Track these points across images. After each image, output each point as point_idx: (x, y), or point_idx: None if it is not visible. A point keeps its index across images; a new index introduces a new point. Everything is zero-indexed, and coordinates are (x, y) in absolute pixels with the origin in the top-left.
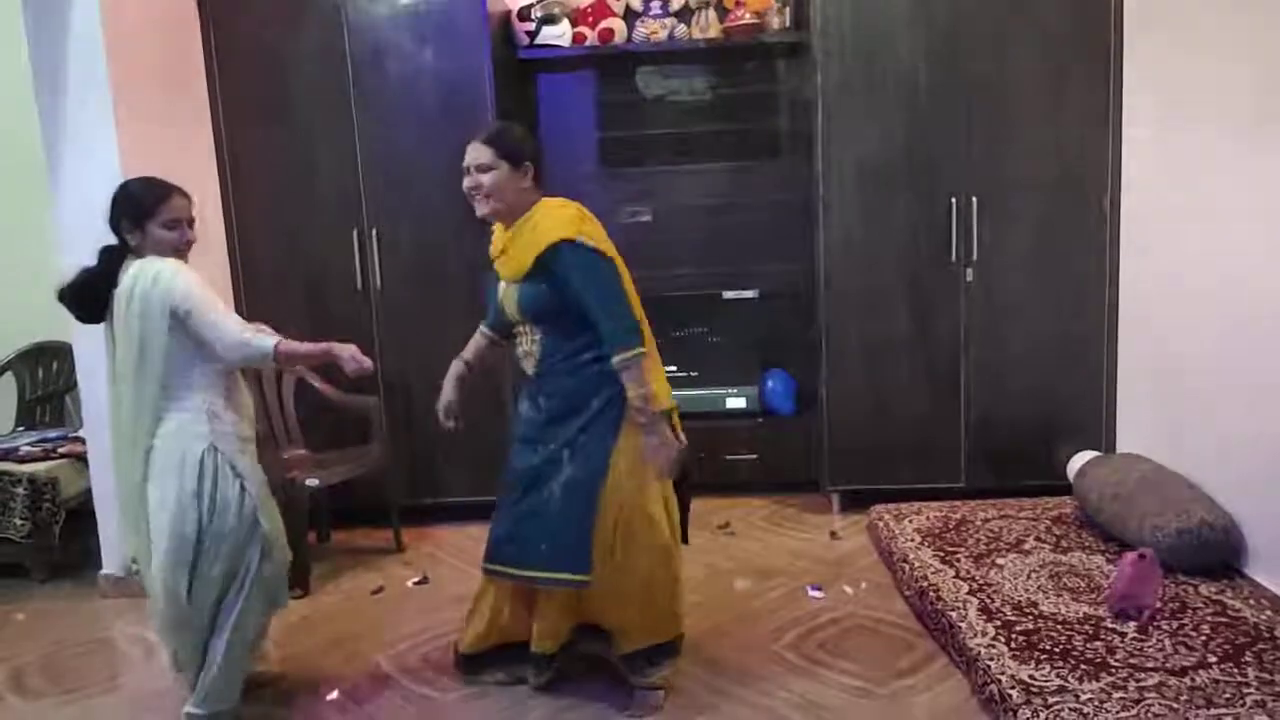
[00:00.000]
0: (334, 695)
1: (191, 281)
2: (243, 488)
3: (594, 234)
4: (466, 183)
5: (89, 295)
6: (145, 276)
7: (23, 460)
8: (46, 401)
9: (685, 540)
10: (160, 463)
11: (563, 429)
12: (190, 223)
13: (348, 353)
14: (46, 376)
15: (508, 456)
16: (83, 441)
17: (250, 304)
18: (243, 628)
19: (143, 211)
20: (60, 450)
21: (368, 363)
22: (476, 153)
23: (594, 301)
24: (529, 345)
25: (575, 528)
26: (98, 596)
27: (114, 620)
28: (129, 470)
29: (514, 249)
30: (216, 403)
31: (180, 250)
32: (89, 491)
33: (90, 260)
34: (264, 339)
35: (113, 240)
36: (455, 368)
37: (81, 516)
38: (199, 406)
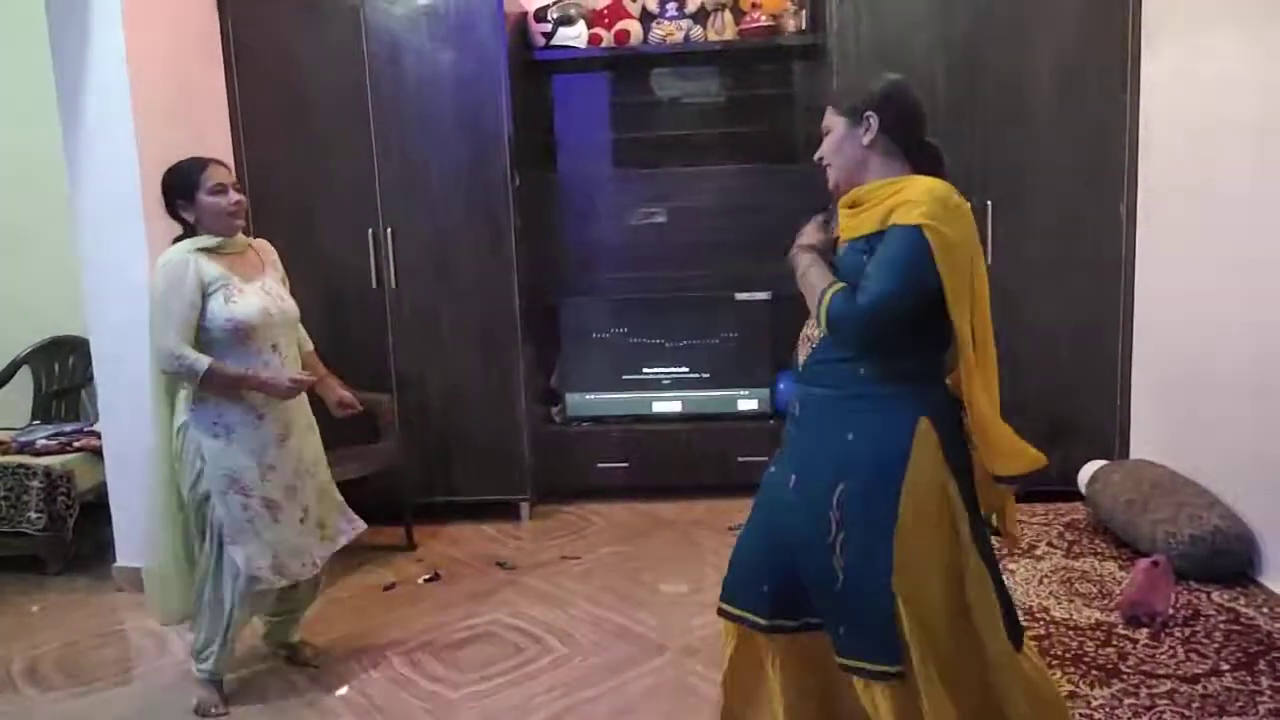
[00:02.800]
0: (344, 691)
1: (170, 284)
2: (200, 472)
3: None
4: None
5: None
6: (158, 266)
7: (39, 453)
8: (63, 395)
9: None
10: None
11: None
12: (235, 187)
13: (280, 381)
14: (63, 371)
15: None
16: (98, 435)
17: None
18: (215, 601)
19: (190, 184)
20: (76, 444)
21: (305, 380)
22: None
23: None
24: None
25: None
26: (112, 589)
27: (128, 613)
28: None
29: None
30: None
31: (232, 213)
32: (104, 485)
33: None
34: (198, 359)
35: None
36: None
37: (96, 510)
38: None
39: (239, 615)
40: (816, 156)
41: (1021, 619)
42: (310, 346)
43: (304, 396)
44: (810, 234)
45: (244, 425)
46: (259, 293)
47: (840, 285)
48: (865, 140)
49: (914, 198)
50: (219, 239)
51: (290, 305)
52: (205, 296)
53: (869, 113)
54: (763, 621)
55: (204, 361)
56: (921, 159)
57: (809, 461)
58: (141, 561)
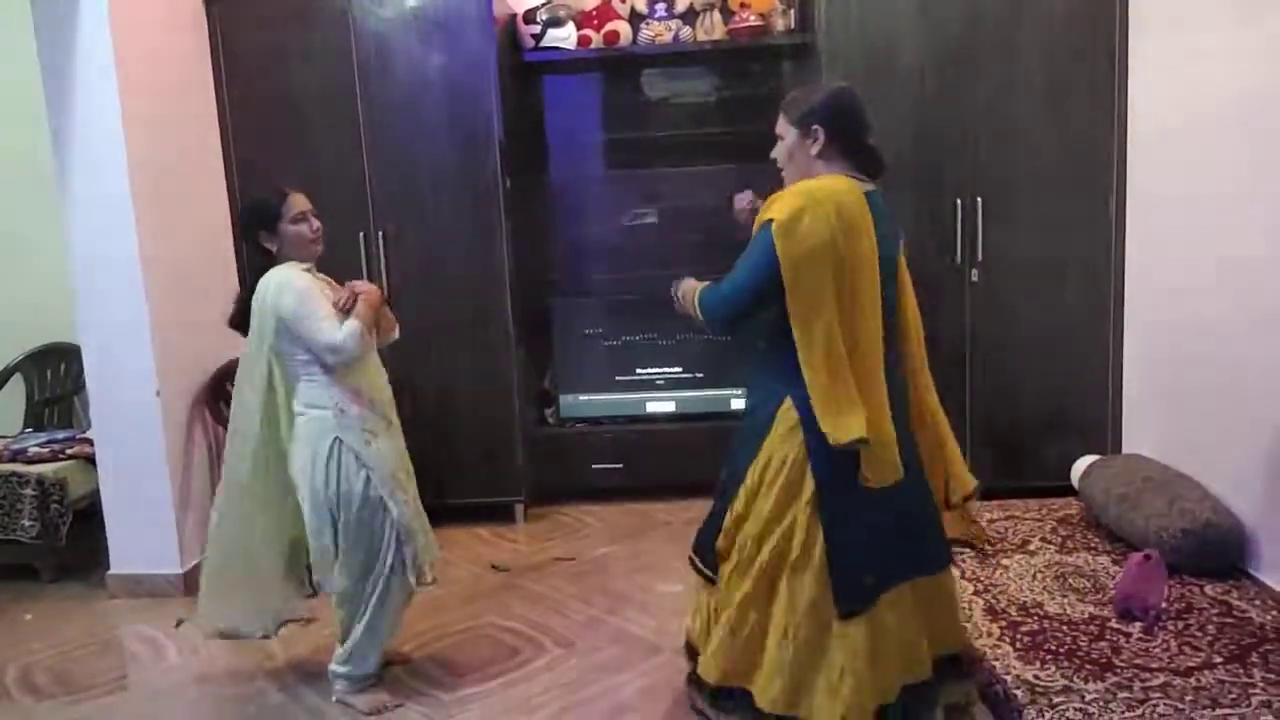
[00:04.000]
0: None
1: (298, 291)
2: (368, 478)
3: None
4: None
5: (249, 315)
6: (266, 287)
7: (31, 461)
8: (55, 403)
9: None
10: (298, 462)
11: None
12: (314, 214)
13: (362, 294)
14: (55, 378)
15: None
16: (91, 443)
17: None
18: (383, 604)
19: (271, 215)
20: (69, 451)
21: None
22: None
23: None
24: None
25: None
26: (105, 597)
27: (122, 620)
28: (237, 468)
29: None
30: (341, 398)
31: (313, 240)
32: (97, 493)
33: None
34: (345, 331)
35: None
36: None
37: (89, 517)
38: (323, 403)
39: (396, 604)
40: (771, 156)
41: (1015, 614)
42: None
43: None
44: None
45: (383, 432)
46: None
47: (707, 283)
48: (813, 151)
49: (787, 195)
50: (304, 264)
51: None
52: None
53: (815, 126)
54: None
55: (349, 326)
56: (865, 160)
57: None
58: (142, 568)
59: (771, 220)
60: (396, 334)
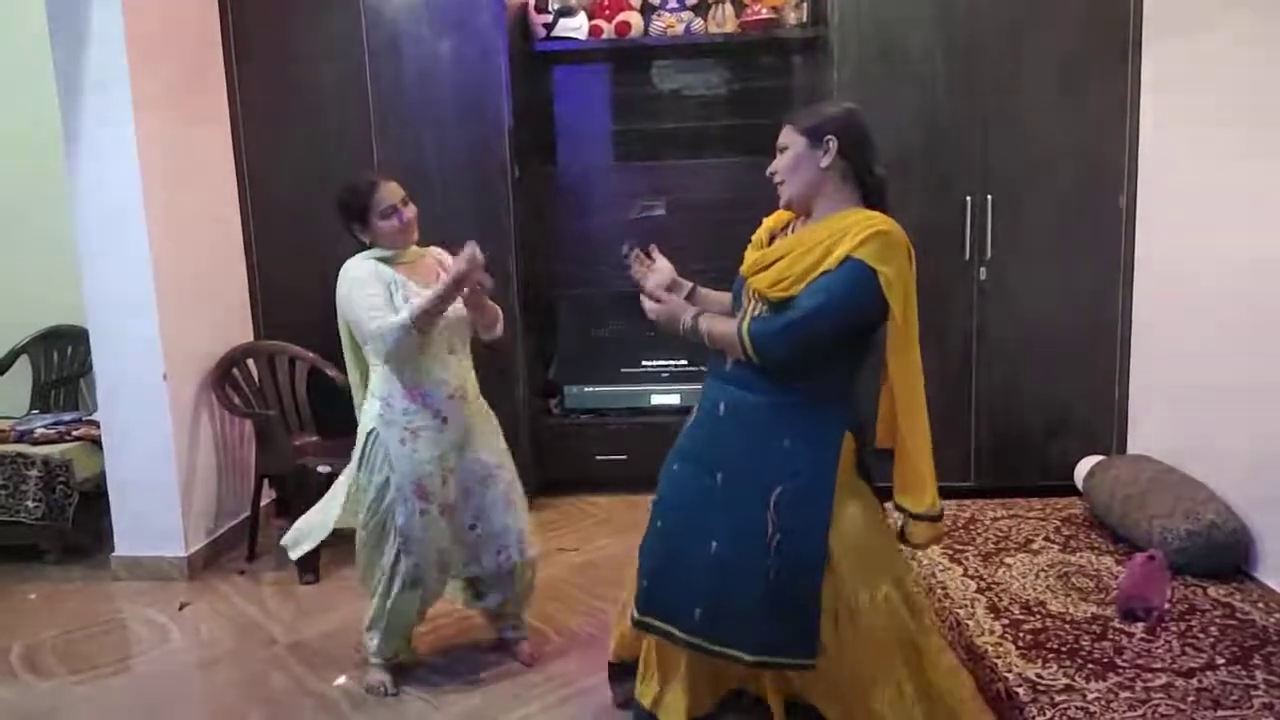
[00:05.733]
0: (342, 680)
1: (352, 280)
2: (387, 480)
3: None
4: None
5: None
6: (340, 278)
7: (37, 443)
8: (61, 385)
9: None
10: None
11: None
12: (404, 202)
13: (466, 261)
14: (61, 360)
15: None
16: (97, 425)
17: (266, 296)
18: (385, 601)
19: (362, 209)
20: (74, 433)
21: (468, 251)
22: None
23: None
24: None
25: None
26: (110, 579)
27: (126, 602)
28: None
29: None
30: (394, 391)
31: (403, 231)
32: (103, 474)
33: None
34: (393, 319)
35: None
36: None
37: (95, 499)
38: (377, 393)
39: (402, 607)
40: (769, 171)
41: (1018, 613)
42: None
43: (486, 407)
44: (661, 294)
45: (429, 429)
46: None
47: (751, 314)
48: (824, 163)
49: (855, 231)
50: (390, 251)
51: (462, 310)
52: (390, 296)
53: (829, 136)
54: (684, 638)
55: (404, 313)
56: (872, 189)
57: (741, 464)
58: (146, 551)
59: (857, 258)
60: (499, 330)
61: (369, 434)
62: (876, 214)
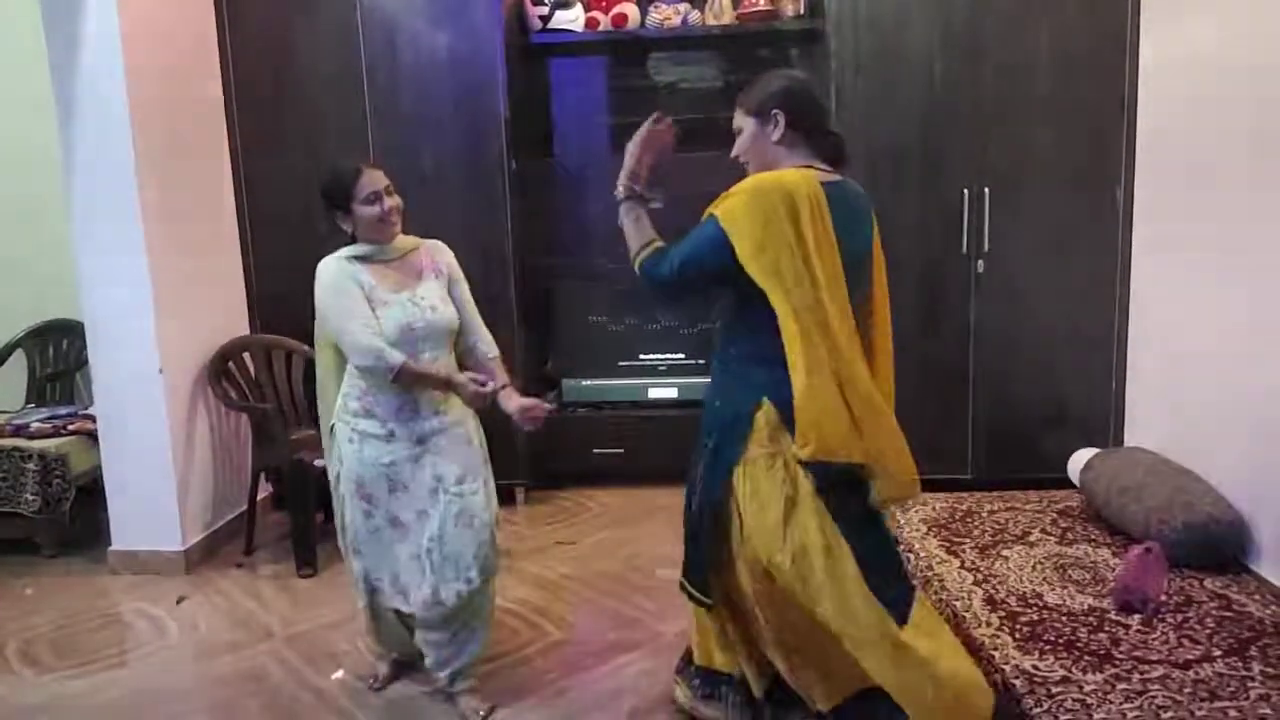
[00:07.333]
0: (339, 674)
1: (329, 290)
2: (339, 474)
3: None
4: None
5: None
6: (316, 279)
7: (33, 437)
8: (57, 379)
9: None
10: None
11: None
12: (389, 191)
13: (469, 389)
14: (57, 354)
15: None
16: (93, 419)
17: (262, 289)
18: (360, 600)
19: (343, 197)
20: (71, 427)
21: (488, 390)
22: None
23: None
24: None
25: None
26: (106, 572)
27: (122, 596)
28: None
29: None
30: (352, 391)
31: (384, 221)
32: (99, 468)
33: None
34: (394, 354)
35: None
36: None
37: (91, 493)
38: (344, 386)
39: (372, 609)
40: (733, 155)
41: (1015, 605)
42: (494, 353)
43: (462, 415)
44: (642, 150)
45: (373, 439)
46: (404, 304)
47: (654, 246)
48: (774, 137)
49: (737, 190)
50: (369, 248)
51: (444, 315)
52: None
53: (775, 110)
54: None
55: (398, 357)
56: (825, 146)
57: (703, 423)
58: (143, 545)
59: (712, 214)
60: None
61: (330, 427)
62: (786, 172)
